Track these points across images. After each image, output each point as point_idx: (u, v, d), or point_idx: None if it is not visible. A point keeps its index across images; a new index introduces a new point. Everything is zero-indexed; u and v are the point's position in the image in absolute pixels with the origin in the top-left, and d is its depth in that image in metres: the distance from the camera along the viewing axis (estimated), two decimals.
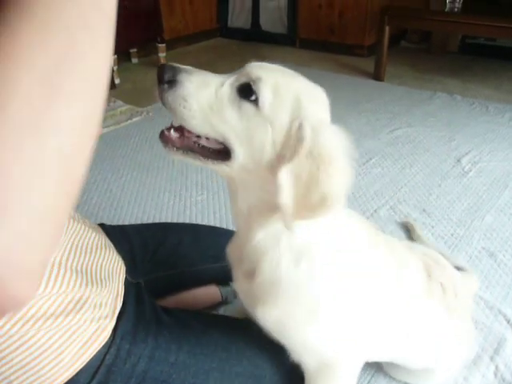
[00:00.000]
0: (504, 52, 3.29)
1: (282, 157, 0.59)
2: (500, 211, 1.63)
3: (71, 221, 0.78)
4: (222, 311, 1.25)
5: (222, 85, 0.61)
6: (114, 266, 0.84)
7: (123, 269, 0.88)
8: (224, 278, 1.19)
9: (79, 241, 0.78)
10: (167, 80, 0.59)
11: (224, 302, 1.24)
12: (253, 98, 0.59)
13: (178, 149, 0.64)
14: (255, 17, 4.12)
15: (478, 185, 1.80)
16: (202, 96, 0.60)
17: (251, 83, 0.59)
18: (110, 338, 0.73)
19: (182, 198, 1.77)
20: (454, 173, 1.90)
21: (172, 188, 1.84)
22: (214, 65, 3.59)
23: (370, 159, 2.01)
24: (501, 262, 1.39)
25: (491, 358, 1.10)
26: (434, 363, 0.93)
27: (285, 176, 0.57)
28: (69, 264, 0.72)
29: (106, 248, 0.85)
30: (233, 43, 4.19)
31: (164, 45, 3.46)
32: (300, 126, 0.58)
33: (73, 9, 0.30)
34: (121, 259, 0.89)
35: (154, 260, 1.04)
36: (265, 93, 0.59)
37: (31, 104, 0.27)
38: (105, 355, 0.72)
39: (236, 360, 0.81)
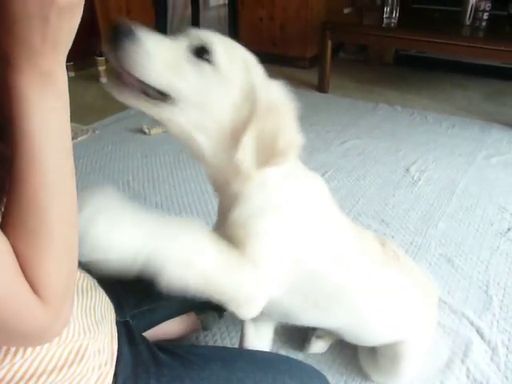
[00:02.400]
0: (435, 63, 3.53)
1: (240, 116, 0.68)
2: (451, 218, 1.75)
3: None
4: (201, 338, 1.23)
5: (177, 46, 0.66)
6: (105, 306, 0.81)
7: (112, 308, 0.85)
8: (203, 304, 1.18)
9: None
10: (124, 36, 0.61)
11: (204, 328, 1.23)
12: (209, 58, 0.66)
13: (130, 92, 0.66)
14: (195, 28, 4.11)
15: (428, 193, 1.92)
16: (163, 53, 0.64)
17: (206, 45, 0.66)
18: None
19: None
20: (404, 182, 2.00)
21: None
22: None
23: (326, 172, 2.08)
24: (458, 267, 1.48)
25: (462, 361, 1.17)
26: (398, 332, 0.98)
27: (248, 134, 0.66)
28: None
29: (94, 288, 0.81)
30: None
31: (103, 58, 3.36)
32: (253, 86, 0.68)
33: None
34: (108, 298, 0.86)
35: (136, 295, 1.01)
36: (220, 54, 0.66)
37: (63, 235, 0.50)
38: None
39: None
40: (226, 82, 0.67)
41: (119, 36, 0.61)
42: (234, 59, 0.68)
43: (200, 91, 0.66)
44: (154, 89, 0.65)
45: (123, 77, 0.65)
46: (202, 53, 0.66)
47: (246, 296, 0.72)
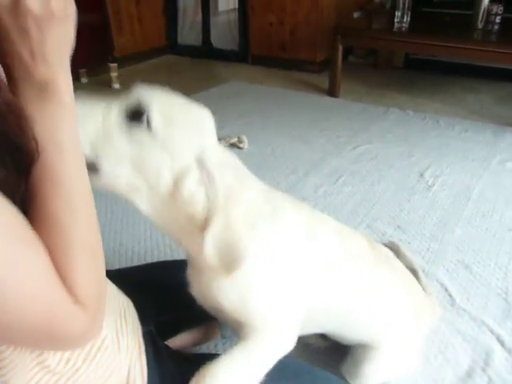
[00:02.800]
0: (445, 67, 3.52)
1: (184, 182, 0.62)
2: (467, 223, 1.73)
3: None
4: (220, 345, 1.23)
5: (109, 110, 0.61)
6: (134, 317, 0.81)
7: (137, 318, 0.85)
8: None
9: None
10: None
11: (222, 336, 1.23)
12: (144, 122, 0.60)
13: None
14: (206, 34, 4.13)
15: (443, 198, 1.91)
16: (93, 121, 0.60)
17: (141, 108, 0.60)
18: None
19: None
20: (419, 187, 2.00)
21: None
22: (167, 83, 3.53)
23: (339, 178, 2.07)
24: (476, 274, 1.47)
25: (483, 369, 1.16)
26: (380, 333, 0.97)
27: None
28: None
29: (126, 300, 0.82)
30: (184, 60, 4.17)
31: (116, 64, 3.39)
32: (199, 158, 0.62)
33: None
34: (134, 308, 0.86)
35: (157, 304, 1.01)
36: (157, 117, 0.60)
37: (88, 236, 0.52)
38: None
39: None
40: (164, 149, 0.60)
41: None
42: (176, 123, 0.61)
43: (134, 161, 0.60)
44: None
45: None
46: (136, 117, 0.60)
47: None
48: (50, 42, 0.45)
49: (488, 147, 2.37)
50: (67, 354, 0.60)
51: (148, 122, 0.60)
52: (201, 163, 0.62)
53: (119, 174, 0.61)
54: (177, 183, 0.62)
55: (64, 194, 0.48)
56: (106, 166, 0.61)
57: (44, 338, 0.48)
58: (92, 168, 0.60)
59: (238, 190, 0.66)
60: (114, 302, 0.78)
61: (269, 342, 0.75)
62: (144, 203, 0.65)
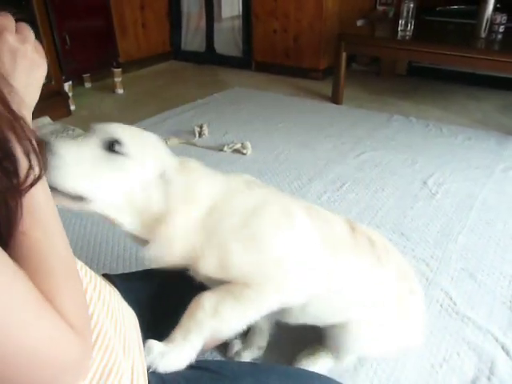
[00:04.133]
0: (448, 75, 3.53)
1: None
2: (471, 231, 1.73)
3: (104, 286, 0.74)
4: (222, 348, 1.23)
5: (89, 145, 0.74)
6: (133, 329, 0.81)
7: (137, 325, 0.85)
8: None
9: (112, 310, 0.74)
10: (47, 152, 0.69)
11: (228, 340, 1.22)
12: (118, 150, 0.74)
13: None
14: (209, 40, 4.15)
15: (447, 206, 1.91)
16: (76, 156, 0.72)
17: (114, 140, 0.75)
18: None
19: None
20: (422, 195, 2.00)
21: None
22: (170, 88, 3.56)
23: (343, 185, 2.08)
24: (481, 282, 1.47)
25: (488, 378, 1.16)
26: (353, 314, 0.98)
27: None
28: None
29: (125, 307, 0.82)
30: (187, 66, 4.19)
31: (120, 69, 3.40)
32: (163, 172, 0.79)
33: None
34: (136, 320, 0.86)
35: (159, 310, 1.01)
36: (129, 143, 0.76)
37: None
38: None
39: None
40: (141, 168, 0.77)
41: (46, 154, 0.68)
42: (143, 147, 0.78)
43: (117, 184, 0.75)
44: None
45: None
46: (111, 147, 0.74)
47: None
48: (20, 71, 0.51)
49: (492, 155, 2.38)
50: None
51: (124, 149, 0.75)
52: (162, 172, 0.80)
53: (106, 197, 0.75)
54: (145, 189, 0.78)
55: (41, 224, 0.49)
56: (95, 193, 0.74)
57: (42, 372, 0.45)
58: (79, 198, 0.73)
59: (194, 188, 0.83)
60: (115, 303, 0.78)
61: (267, 289, 0.84)
62: (127, 217, 0.80)
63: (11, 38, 0.51)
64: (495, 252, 1.62)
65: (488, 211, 1.87)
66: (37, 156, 0.48)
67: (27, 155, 0.47)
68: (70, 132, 2.72)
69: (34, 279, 0.46)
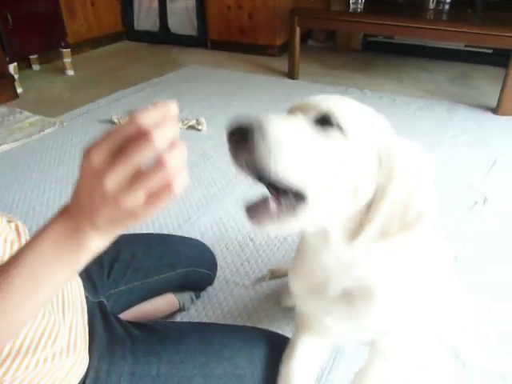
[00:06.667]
0: (401, 48, 3.59)
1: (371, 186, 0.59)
2: None
3: None
4: (179, 318, 1.22)
5: (302, 124, 0.58)
6: (75, 288, 0.80)
7: (82, 288, 0.84)
8: (180, 285, 1.17)
9: None
10: (248, 137, 0.55)
11: (181, 309, 1.22)
12: (333, 128, 0.57)
13: (270, 218, 0.58)
14: (163, 19, 4.05)
15: None
16: (292, 138, 0.55)
17: (327, 115, 0.57)
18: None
19: None
20: None
21: None
22: (124, 69, 3.47)
23: None
24: None
25: None
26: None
27: (383, 207, 0.58)
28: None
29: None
30: (141, 46, 4.08)
31: (69, 50, 3.28)
32: (388, 154, 0.59)
33: None
34: (79, 278, 0.84)
35: (111, 276, 1.00)
36: (346, 121, 0.57)
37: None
38: (84, 380, 0.68)
39: (215, 362, 0.81)
40: (361, 151, 0.58)
41: (242, 140, 0.55)
42: (360, 126, 0.58)
43: (337, 169, 0.56)
44: (289, 191, 0.57)
45: (262, 211, 0.58)
46: (324, 125, 0.57)
47: None
48: (114, 214, 0.42)
49: (442, 123, 2.44)
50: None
51: (338, 126, 0.57)
52: (387, 157, 0.59)
53: (323, 189, 0.57)
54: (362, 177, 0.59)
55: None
56: (314, 185, 0.56)
57: None
58: (295, 202, 0.57)
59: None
60: None
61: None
62: (337, 225, 0.62)
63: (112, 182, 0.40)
64: (442, 212, 1.67)
65: (436, 175, 1.92)
66: None
67: None
68: (18, 115, 2.62)
69: None
